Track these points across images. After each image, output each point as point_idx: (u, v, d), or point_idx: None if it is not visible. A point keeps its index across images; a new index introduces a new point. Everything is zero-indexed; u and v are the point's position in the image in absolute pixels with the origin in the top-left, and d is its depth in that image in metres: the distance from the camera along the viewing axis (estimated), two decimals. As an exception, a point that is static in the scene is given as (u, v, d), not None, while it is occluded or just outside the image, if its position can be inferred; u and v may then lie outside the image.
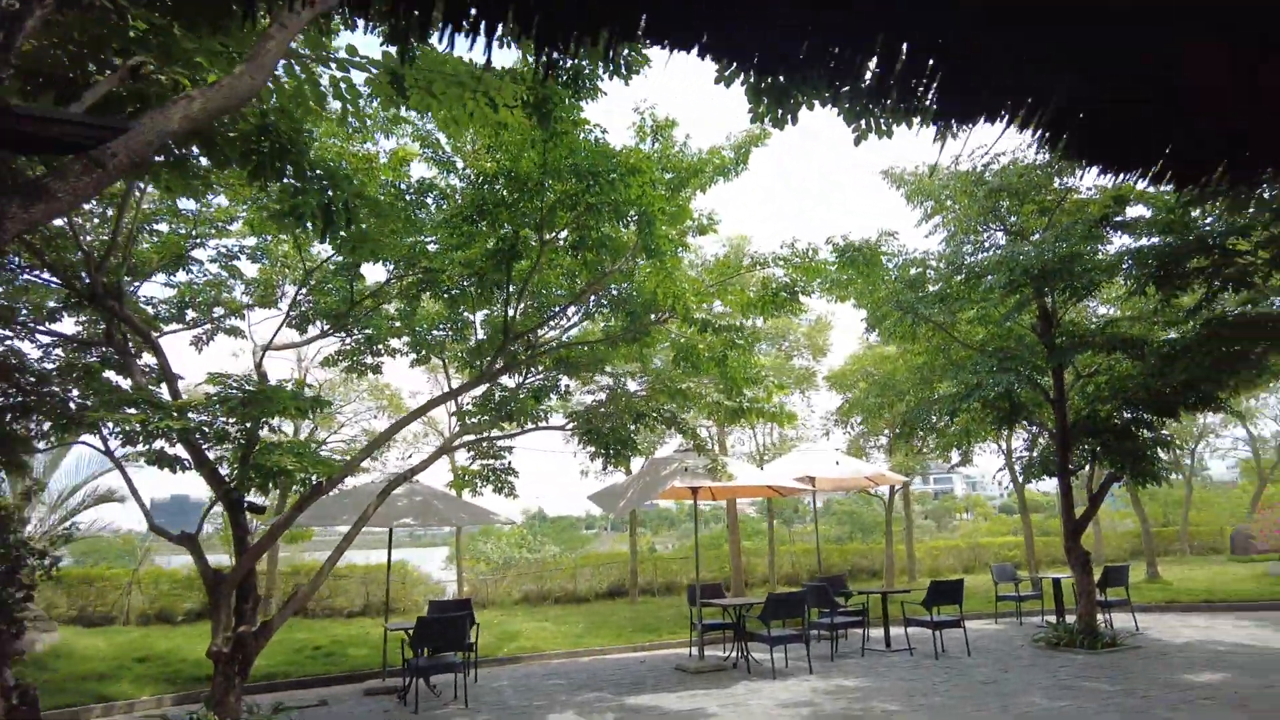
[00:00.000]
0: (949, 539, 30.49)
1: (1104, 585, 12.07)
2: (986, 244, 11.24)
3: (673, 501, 22.15)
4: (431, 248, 9.68)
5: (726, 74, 4.14)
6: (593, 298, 10.26)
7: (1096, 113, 2.22)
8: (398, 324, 11.06)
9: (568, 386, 11.31)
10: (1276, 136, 2.09)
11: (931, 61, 2.63)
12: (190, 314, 10.14)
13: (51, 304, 9.13)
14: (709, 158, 9.50)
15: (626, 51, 6.72)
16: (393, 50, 4.33)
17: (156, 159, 4.81)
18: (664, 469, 10.41)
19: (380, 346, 11.13)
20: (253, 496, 8.89)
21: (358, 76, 4.20)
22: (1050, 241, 9.80)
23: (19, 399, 8.51)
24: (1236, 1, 1.86)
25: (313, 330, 10.64)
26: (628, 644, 12.41)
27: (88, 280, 7.86)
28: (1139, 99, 2.10)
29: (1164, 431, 11.50)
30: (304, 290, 10.27)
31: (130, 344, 8.83)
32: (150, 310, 9.73)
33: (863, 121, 4.62)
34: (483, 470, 11.64)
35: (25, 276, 8.76)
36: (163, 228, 9.59)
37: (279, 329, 9.81)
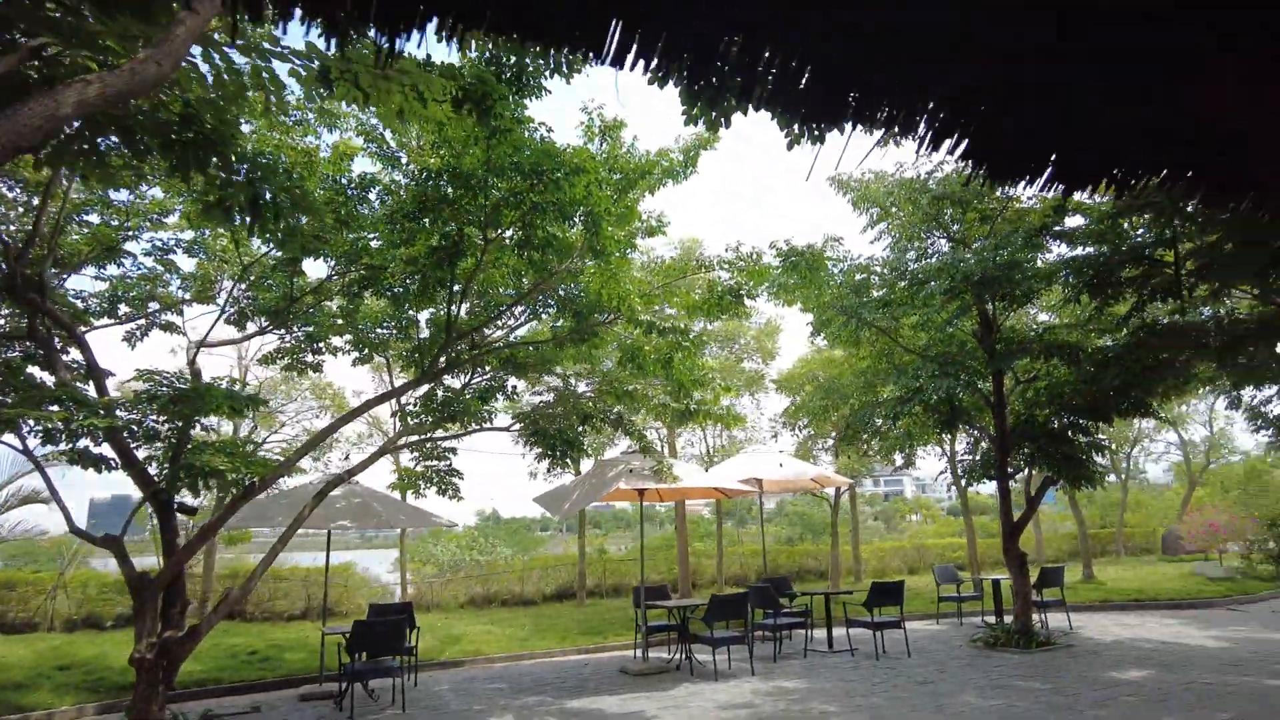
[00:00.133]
0: (896, 540, 31.02)
1: (1040, 586, 12.37)
2: (930, 251, 11.44)
3: (628, 503, 22.28)
4: (375, 244, 9.52)
5: (660, 75, 4.14)
6: (540, 298, 10.18)
7: (982, 118, 2.25)
8: (339, 321, 10.86)
9: (515, 387, 11.21)
10: (1157, 147, 2.14)
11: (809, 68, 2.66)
12: (123, 309, 9.80)
13: (-33, 296, 8.74)
14: (657, 159, 9.48)
15: (566, 51, 6.69)
16: (317, 41, 4.22)
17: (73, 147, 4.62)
18: (610, 471, 10.37)
19: (321, 344, 10.92)
20: (183, 497, 8.63)
21: (281, 68, 4.09)
22: (990, 249, 10.00)
23: (-69, 395, 8.13)
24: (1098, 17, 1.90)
25: (252, 327, 10.40)
26: (573, 646, 12.33)
27: (6, 271, 7.53)
28: (1024, 104, 2.14)
29: (1100, 436, 11.82)
30: (243, 286, 10.01)
31: (55, 339, 8.49)
32: (80, 304, 9.38)
33: (795, 126, 4.66)
34: (426, 472, 11.49)
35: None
36: (94, 219, 9.26)
37: (214, 325, 9.55)
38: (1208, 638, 11.48)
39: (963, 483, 14.20)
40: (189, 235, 9.87)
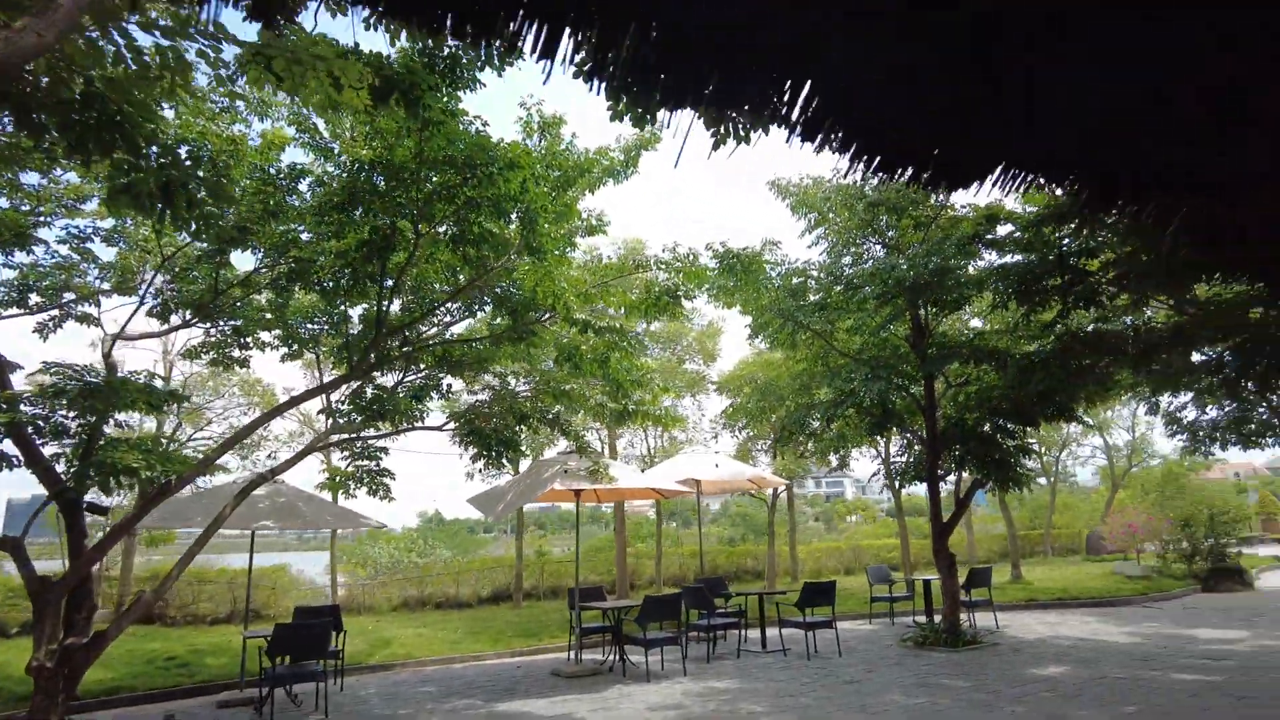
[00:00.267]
0: (834, 541, 31.51)
1: (969, 586, 12.67)
2: (865, 256, 11.61)
3: (573, 504, 22.08)
4: (305, 237, 9.26)
5: (586, 69, 4.08)
6: (476, 295, 10.02)
7: (860, 112, 2.26)
8: (269, 316, 10.55)
9: (450, 386, 11.01)
10: (1041, 149, 2.16)
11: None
12: (34, 298, 9.34)
13: None
14: (596, 158, 9.43)
15: (498, 43, 6.60)
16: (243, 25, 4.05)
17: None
18: (545, 471, 10.27)
19: (249, 339, 10.59)
20: (96, 497, 8.26)
21: (191, 49, 3.90)
22: (923, 255, 10.20)
23: None
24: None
25: (175, 320, 10.01)
26: (507, 649, 12.18)
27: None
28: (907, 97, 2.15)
29: (1029, 440, 12.15)
30: (166, 277, 9.64)
31: (-46, 329, 8.05)
32: (-16, 293, 8.91)
33: (721, 126, 4.65)
34: (356, 472, 11.22)
35: None
36: (1, 203, 8.80)
37: (131, 316, 9.16)
38: (1122, 634, 11.91)
39: (896, 484, 14.45)
40: (109, 223, 9.47)
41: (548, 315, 9.15)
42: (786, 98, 3.83)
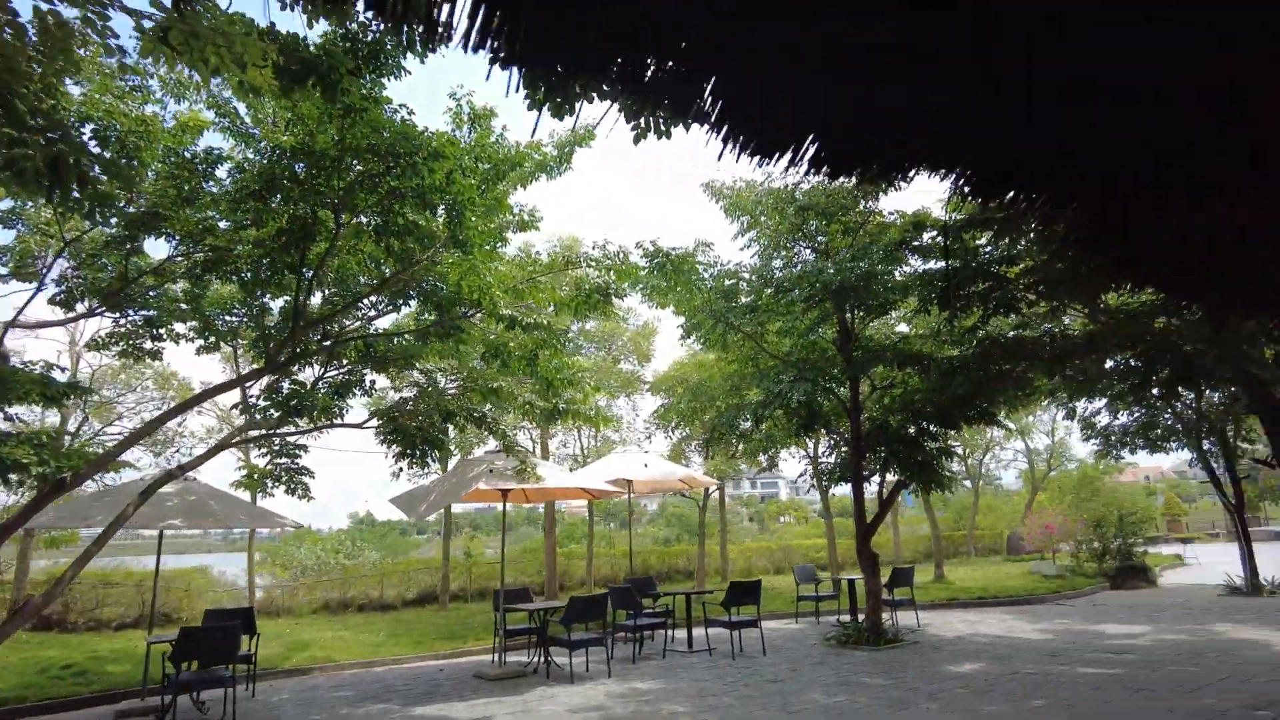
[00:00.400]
0: (764, 541, 31.88)
1: (892, 585, 12.91)
2: (795, 260, 11.74)
3: (511, 505, 21.71)
4: (223, 225, 8.89)
5: (501, 57, 3.97)
6: (401, 288, 9.76)
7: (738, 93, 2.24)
8: (185, 306, 10.11)
9: (374, 382, 10.72)
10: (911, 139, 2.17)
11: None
12: (-80, 283, 8.75)
13: None
14: (528, 151, 9.29)
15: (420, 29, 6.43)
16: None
17: None
18: (471, 471, 10.07)
19: (162, 330, 10.14)
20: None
21: (70, 13, 3.66)
22: (849, 260, 10.35)
23: None
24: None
25: (81, 308, 9.50)
26: (430, 652, 11.91)
27: None
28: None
29: (953, 443, 12.45)
30: (72, 263, 9.14)
31: None
32: None
33: (641, 120, 4.60)
34: (273, 469, 10.85)
35: None
36: (-120, 179, 8.20)
37: (27, 303, 8.65)
38: (1035, 631, 12.30)
39: (824, 485, 14.67)
40: (7, 204, 8.94)
41: (474, 311, 8.96)
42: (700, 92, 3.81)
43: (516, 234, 10.45)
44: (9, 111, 4.40)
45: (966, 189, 2.26)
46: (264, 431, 10.26)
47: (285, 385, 9.74)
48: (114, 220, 8.38)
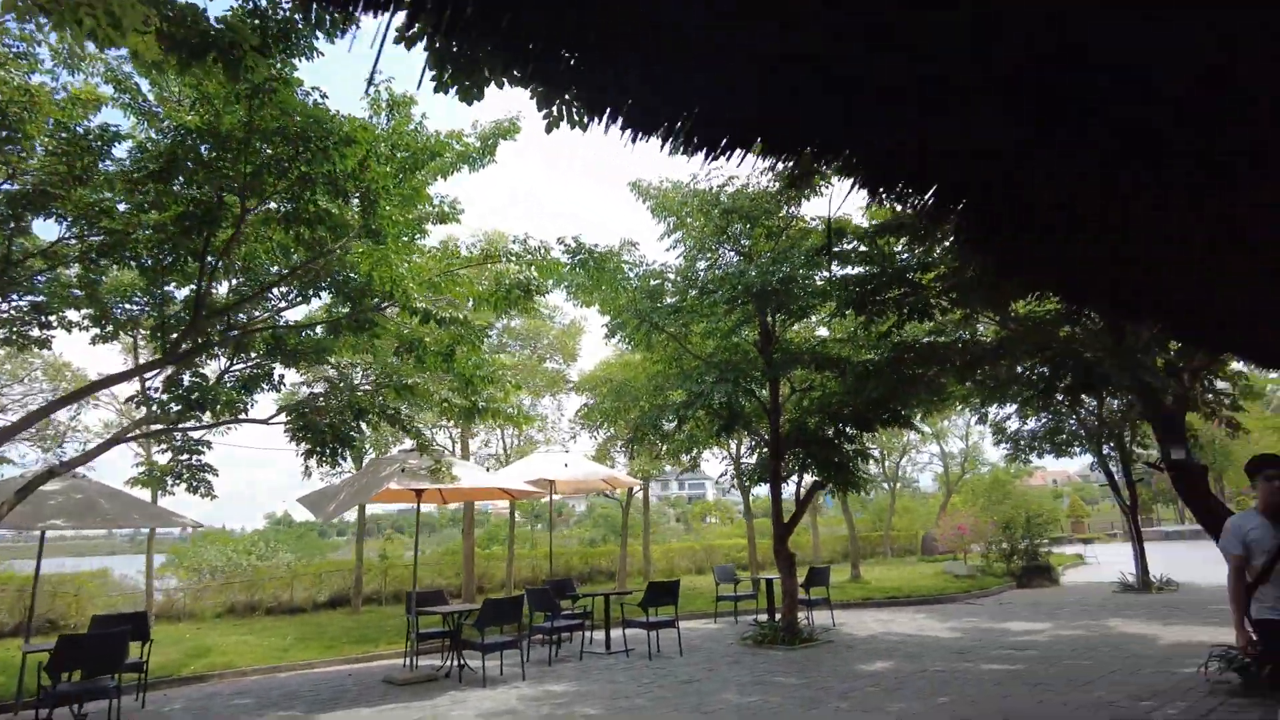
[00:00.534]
0: (688, 541, 32.07)
1: (808, 585, 13.10)
2: (719, 262, 11.80)
3: (435, 506, 21.24)
4: (121, 207, 8.39)
5: (408, 34, 3.80)
6: (312, 279, 9.39)
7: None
8: (79, 292, 9.53)
9: (282, 377, 10.30)
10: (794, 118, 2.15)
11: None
12: None
13: None
14: (448, 141, 9.07)
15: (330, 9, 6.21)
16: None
17: None
18: (383, 470, 9.76)
19: (52, 317, 9.54)
20: None
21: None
22: (770, 264, 10.45)
23: None
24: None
25: (-44, 293, 8.85)
26: (339, 656, 11.52)
27: None
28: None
29: (870, 446, 12.70)
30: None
31: None
32: None
33: (553, 108, 4.48)
34: (173, 466, 10.34)
35: None
36: None
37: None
38: (945, 629, 12.66)
39: (745, 485, 14.81)
40: None
41: (387, 304, 8.68)
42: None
43: (437, 226, 10.21)
44: None
45: (855, 179, 2.25)
46: (164, 426, 9.76)
47: (186, 378, 9.27)
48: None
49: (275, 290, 9.55)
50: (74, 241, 8.84)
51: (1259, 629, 4.59)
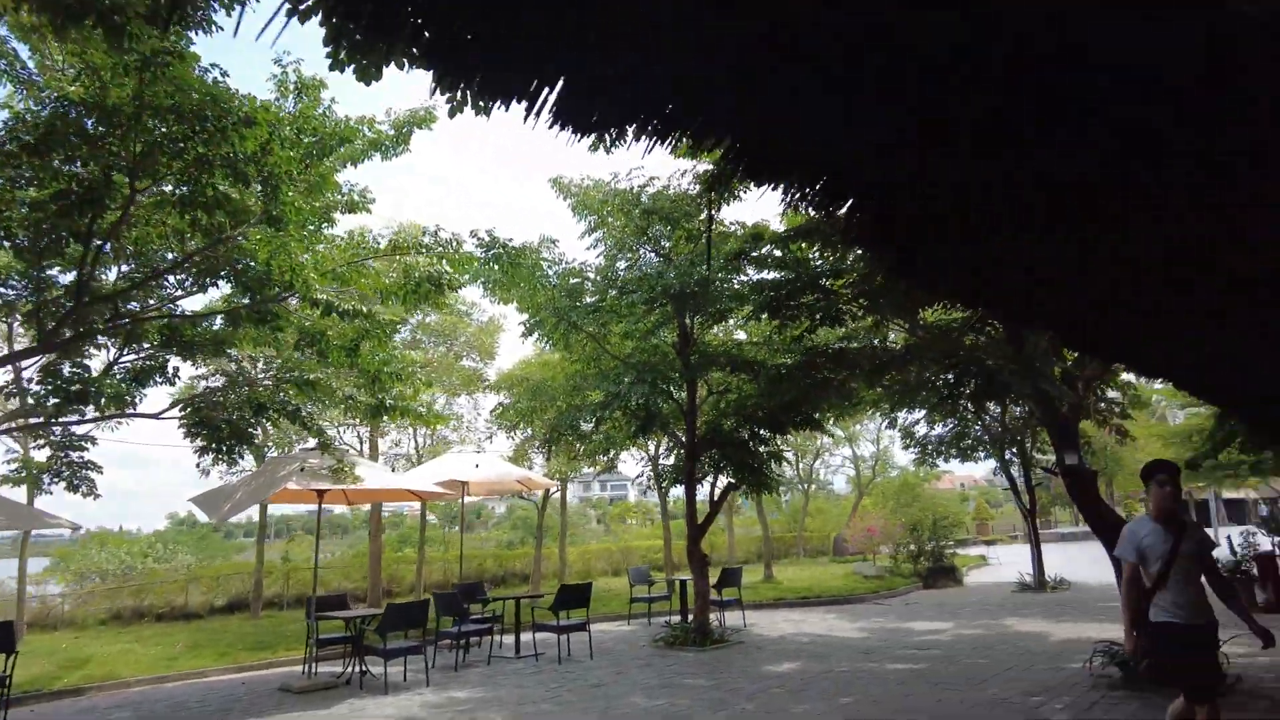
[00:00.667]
0: (605, 542, 31.97)
1: (720, 586, 13.17)
2: (639, 262, 11.77)
3: (346, 507, 20.50)
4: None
5: (301, 8, 3.58)
6: (209, 266, 8.90)
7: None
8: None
9: (176, 369, 9.73)
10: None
11: None
12: None
13: None
14: (358, 127, 8.74)
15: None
16: None
17: None
18: (281, 469, 9.33)
19: (-87, 301, 8.80)
20: None
21: None
22: (688, 266, 10.47)
23: None
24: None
25: None
26: (233, 664, 10.98)
27: None
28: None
29: (784, 448, 12.86)
30: None
31: None
32: None
33: (457, 93, 4.32)
34: (51, 463, 9.67)
35: None
36: None
37: None
38: (853, 629, 12.93)
39: (662, 485, 14.82)
40: None
41: (288, 294, 8.29)
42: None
43: (346, 215, 9.85)
44: None
45: (737, 165, 2.20)
46: (41, 420, 9.12)
47: (66, 368, 8.66)
48: None
49: (171, 278, 9.01)
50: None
51: (1156, 632, 4.70)
